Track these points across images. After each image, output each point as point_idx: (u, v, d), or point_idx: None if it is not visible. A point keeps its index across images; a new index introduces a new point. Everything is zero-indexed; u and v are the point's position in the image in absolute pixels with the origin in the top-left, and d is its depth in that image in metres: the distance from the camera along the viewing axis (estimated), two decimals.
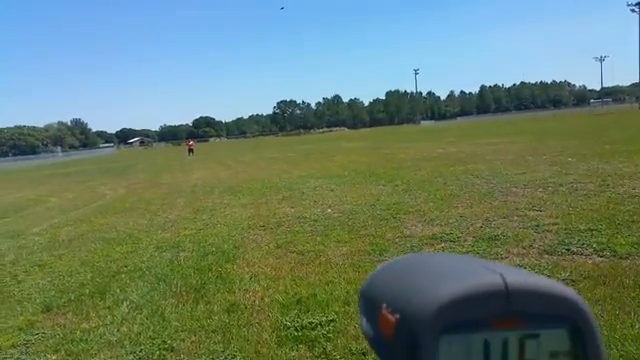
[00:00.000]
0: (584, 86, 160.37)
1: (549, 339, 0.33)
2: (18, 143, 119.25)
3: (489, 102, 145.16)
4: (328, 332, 3.26)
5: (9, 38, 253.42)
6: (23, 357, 3.33)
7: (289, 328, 3.40)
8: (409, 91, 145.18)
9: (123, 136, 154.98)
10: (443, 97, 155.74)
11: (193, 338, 3.40)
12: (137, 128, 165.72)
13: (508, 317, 0.32)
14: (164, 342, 3.36)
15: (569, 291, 0.34)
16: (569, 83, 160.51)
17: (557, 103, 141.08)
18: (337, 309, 3.66)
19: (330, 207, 8.13)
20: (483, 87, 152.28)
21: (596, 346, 0.33)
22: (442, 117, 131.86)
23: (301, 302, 3.89)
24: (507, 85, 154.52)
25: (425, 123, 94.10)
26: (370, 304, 0.39)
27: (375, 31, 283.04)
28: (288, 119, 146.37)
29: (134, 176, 20.51)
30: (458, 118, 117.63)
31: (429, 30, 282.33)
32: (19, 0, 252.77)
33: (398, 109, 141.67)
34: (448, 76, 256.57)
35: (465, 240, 5.25)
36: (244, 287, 4.39)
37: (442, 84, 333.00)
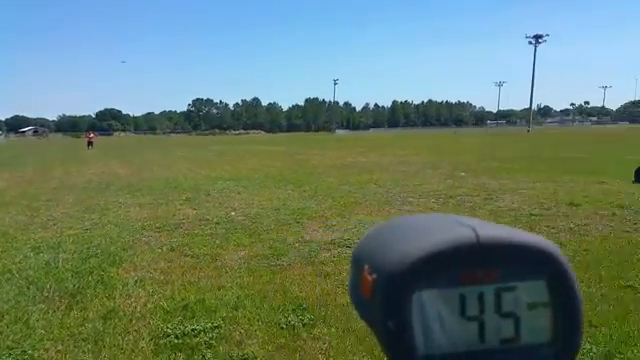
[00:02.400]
0: (483, 107, 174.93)
1: (526, 291, 0.32)
2: None
3: (399, 116, 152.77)
4: (211, 339, 3.13)
5: None
6: None
7: (169, 336, 3.21)
8: (327, 100, 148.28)
9: (15, 124, 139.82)
10: (359, 108, 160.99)
11: (59, 347, 3.08)
12: (31, 116, 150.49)
13: (482, 270, 0.32)
14: (24, 352, 3.00)
15: (545, 242, 0.33)
16: (470, 104, 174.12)
17: (459, 122, 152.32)
18: (224, 314, 3.54)
19: (235, 210, 7.95)
20: (395, 102, 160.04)
21: (574, 296, 0.33)
22: (356, 127, 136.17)
23: (187, 308, 3.71)
24: (416, 102, 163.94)
25: (340, 132, 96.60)
26: (355, 268, 0.39)
27: (299, 38, 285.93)
28: (203, 118, 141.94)
29: (21, 168, 18.53)
30: (371, 129, 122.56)
31: (350, 44, 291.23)
32: None
33: (315, 116, 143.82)
34: (364, 89, 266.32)
35: None
36: (127, 292, 4.09)
37: (358, 96, 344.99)
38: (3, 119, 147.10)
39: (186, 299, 3.89)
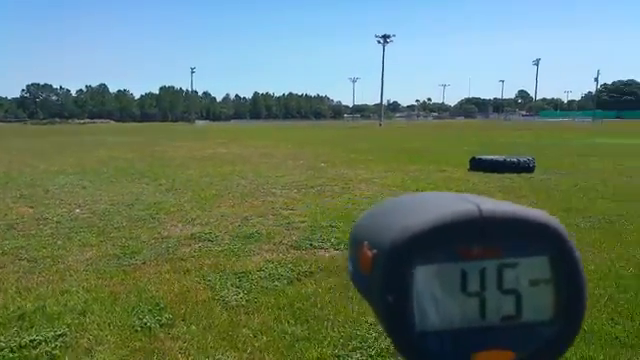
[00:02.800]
0: (340, 102, 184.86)
1: (528, 267, 0.32)
2: None
3: (261, 108, 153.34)
4: (54, 348, 2.84)
5: None
6: None
7: (2, 349, 2.83)
8: (185, 89, 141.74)
9: None
10: (219, 99, 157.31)
11: None
12: None
13: (484, 246, 0.32)
14: None
15: (548, 217, 0.33)
16: (328, 98, 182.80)
17: (318, 115, 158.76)
18: (70, 321, 3.23)
19: (80, 207, 7.23)
20: (256, 94, 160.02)
21: (577, 273, 0.33)
22: (217, 118, 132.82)
23: (24, 317, 3.30)
24: (277, 94, 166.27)
25: (200, 122, 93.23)
26: (354, 245, 0.38)
27: (151, 22, 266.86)
28: (40, 105, 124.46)
29: None
30: (232, 120, 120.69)
31: (208, 31, 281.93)
32: None
33: (172, 106, 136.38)
34: (224, 79, 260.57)
35: (222, 239, 5.34)
36: None
37: (218, 86, 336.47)
38: None
39: (22, 307, 3.46)
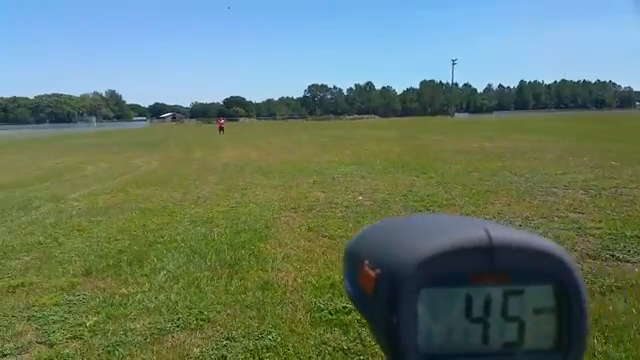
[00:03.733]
0: (630, 88, 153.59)
1: (533, 295, 0.32)
2: (55, 111, 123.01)
3: (528, 98, 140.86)
4: (362, 318, 3.25)
5: (48, 6, 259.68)
6: (66, 315, 3.45)
7: (322, 310, 3.41)
8: (445, 82, 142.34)
9: (155, 110, 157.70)
10: (480, 90, 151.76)
11: (228, 311, 3.45)
12: (169, 103, 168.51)
13: (492, 272, 0.32)
14: (201, 312, 3.43)
15: (555, 247, 0.33)
16: (614, 84, 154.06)
17: (600, 104, 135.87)
18: None
19: (362, 194, 8.09)
20: (522, 82, 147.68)
21: (581, 303, 0.33)
22: (478, 110, 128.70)
23: (334, 286, 3.89)
24: (547, 82, 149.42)
25: (460, 115, 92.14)
26: (353, 262, 0.39)
27: (412, 18, 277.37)
28: (318, 103, 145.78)
29: (167, 150, 20.90)
30: (495, 112, 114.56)
31: (469, 20, 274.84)
32: None
33: (432, 99, 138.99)
34: (486, 69, 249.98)
35: None
36: (277, 267, 4.42)
37: (480, 76, 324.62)
38: (146, 106, 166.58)
39: (331, 278, 4.09)
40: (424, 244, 0.32)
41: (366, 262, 0.36)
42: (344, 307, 3.43)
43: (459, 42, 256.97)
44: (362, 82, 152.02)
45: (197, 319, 3.33)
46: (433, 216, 0.41)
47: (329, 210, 6.94)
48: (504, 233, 0.32)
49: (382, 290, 0.33)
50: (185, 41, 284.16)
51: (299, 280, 4.07)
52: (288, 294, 3.76)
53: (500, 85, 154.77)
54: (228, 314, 3.41)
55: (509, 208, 6.52)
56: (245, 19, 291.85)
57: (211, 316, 3.38)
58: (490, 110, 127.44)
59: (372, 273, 0.34)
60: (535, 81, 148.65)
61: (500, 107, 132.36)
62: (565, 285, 0.32)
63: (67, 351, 2.95)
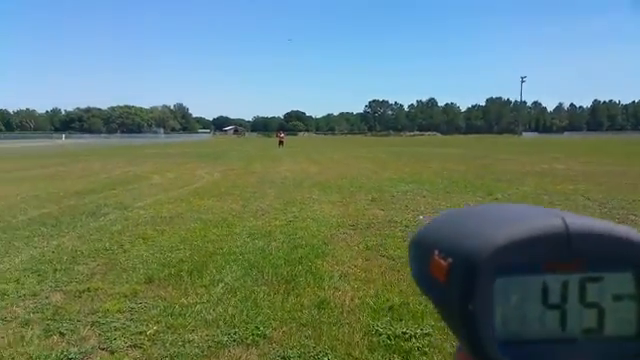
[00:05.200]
0: None
1: (613, 282, 0.32)
2: (126, 122, 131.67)
3: (602, 119, 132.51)
4: (423, 346, 3.08)
5: (122, 22, 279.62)
6: (128, 323, 3.53)
7: (381, 334, 3.27)
8: (512, 99, 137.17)
9: (219, 123, 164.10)
10: (550, 109, 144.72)
11: (284, 328, 3.39)
12: (232, 117, 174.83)
13: (569, 260, 0.32)
14: (257, 328, 3.39)
15: (634, 233, 0.32)
16: None
17: None
18: (433, 323, 3.45)
19: (422, 214, 7.84)
20: (596, 102, 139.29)
21: None
22: (547, 130, 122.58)
23: (393, 309, 3.74)
24: (624, 102, 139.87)
25: (528, 135, 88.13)
26: (422, 252, 0.39)
27: (476, 35, 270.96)
28: (378, 119, 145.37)
29: (228, 162, 21.54)
30: (566, 133, 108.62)
31: (539, 36, 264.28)
32: None
33: (498, 117, 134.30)
34: (557, 87, 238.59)
35: None
36: (334, 285, 4.33)
37: (550, 95, 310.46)
38: (210, 119, 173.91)
39: (390, 300, 3.93)
40: (499, 232, 0.32)
41: (436, 252, 0.36)
42: (404, 332, 3.27)
43: (528, 60, 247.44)
44: (424, 98, 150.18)
45: (253, 334, 3.29)
46: (505, 205, 0.40)
47: (388, 229, 6.77)
48: (581, 221, 0.32)
49: (456, 278, 0.33)
50: (249, 57, 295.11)
51: (356, 300, 3.94)
52: (345, 314, 3.65)
53: (572, 104, 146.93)
54: (284, 331, 3.35)
55: None
56: (307, 36, 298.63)
57: (267, 332, 3.34)
58: (561, 130, 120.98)
59: (444, 262, 0.35)
60: (610, 101, 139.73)
61: (572, 127, 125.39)
62: None
63: None
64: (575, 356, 0.32)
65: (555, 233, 0.31)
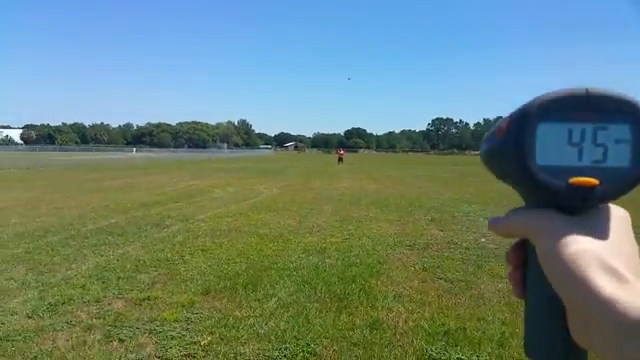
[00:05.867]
0: None
1: (614, 130, 0.42)
2: (192, 136, 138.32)
3: None
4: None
5: (193, 44, 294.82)
6: (184, 332, 3.65)
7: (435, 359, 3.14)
8: None
9: (280, 139, 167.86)
10: None
11: (335, 347, 3.35)
12: (293, 133, 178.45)
13: (586, 113, 0.42)
14: (308, 345, 3.38)
15: (631, 97, 0.42)
16: None
17: None
18: (490, 350, 3.28)
19: (484, 236, 7.52)
20: None
21: None
22: None
23: (449, 334, 3.59)
24: None
25: None
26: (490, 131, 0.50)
27: (553, 52, 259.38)
28: (442, 137, 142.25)
29: (287, 178, 21.90)
30: None
31: (624, 51, 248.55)
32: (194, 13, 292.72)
33: None
34: None
35: None
36: (387, 305, 4.23)
37: None
38: (272, 135, 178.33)
39: (446, 324, 3.78)
40: (543, 95, 0.43)
41: (500, 121, 0.47)
42: (459, 359, 3.12)
43: (611, 72, 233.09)
44: (492, 117, 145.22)
45: (304, 351, 3.28)
46: None
47: (447, 250, 6.55)
48: (600, 88, 0.42)
49: (511, 130, 0.44)
50: (311, 76, 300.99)
51: (410, 323, 3.83)
52: (398, 336, 3.55)
53: None
54: (335, 350, 3.31)
55: None
56: (370, 56, 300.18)
57: (317, 350, 3.31)
58: None
59: (504, 124, 0.45)
60: None
61: None
62: (637, 124, 0.42)
63: None
64: (586, 176, 0.43)
65: (579, 94, 0.42)
